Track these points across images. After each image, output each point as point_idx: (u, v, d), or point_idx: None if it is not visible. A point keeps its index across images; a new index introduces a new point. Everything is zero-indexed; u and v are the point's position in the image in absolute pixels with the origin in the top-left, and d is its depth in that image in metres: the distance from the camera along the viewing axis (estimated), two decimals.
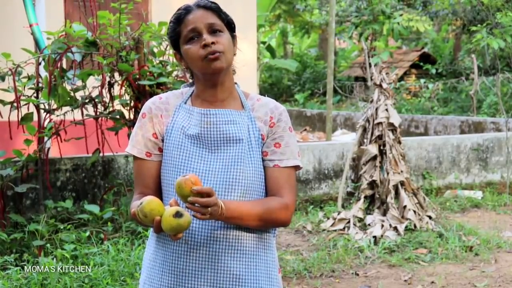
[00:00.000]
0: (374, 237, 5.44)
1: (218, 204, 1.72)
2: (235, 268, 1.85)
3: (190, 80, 2.02)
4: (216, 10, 1.90)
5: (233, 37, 1.95)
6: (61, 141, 5.20)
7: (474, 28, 8.82)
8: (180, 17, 1.89)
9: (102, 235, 4.93)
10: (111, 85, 5.31)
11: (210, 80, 1.90)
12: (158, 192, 1.91)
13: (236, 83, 1.99)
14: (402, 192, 5.86)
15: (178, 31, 1.90)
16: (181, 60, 1.95)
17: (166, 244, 1.87)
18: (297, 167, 1.95)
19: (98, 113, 5.30)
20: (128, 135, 5.03)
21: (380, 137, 6.02)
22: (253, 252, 1.89)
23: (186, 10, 1.89)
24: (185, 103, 1.94)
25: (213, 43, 1.84)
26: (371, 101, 6.22)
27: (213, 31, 1.87)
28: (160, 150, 1.91)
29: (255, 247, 1.90)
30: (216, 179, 1.85)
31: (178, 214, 1.66)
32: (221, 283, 1.85)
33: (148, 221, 1.69)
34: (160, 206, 1.70)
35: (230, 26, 1.93)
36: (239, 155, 1.86)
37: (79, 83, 5.16)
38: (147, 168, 1.91)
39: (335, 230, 5.73)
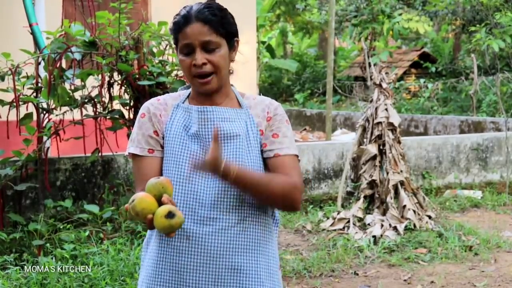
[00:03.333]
0: (374, 236, 5.44)
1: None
2: (236, 262, 1.86)
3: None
4: (215, 25, 1.86)
5: (233, 43, 1.93)
6: (60, 141, 5.20)
7: (473, 28, 8.81)
8: (179, 25, 1.88)
9: (101, 235, 4.93)
10: (110, 85, 5.31)
11: (203, 92, 1.93)
12: None
13: (232, 85, 2.01)
14: (401, 191, 5.86)
15: (177, 37, 1.90)
16: None
17: (168, 240, 1.88)
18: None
19: (97, 113, 5.30)
20: (128, 135, 5.02)
21: (379, 136, 6.02)
22: (254, 246, 1.90)
23: (185, 20, 1.86)
24: (183, 103, 1.96)
25: (204, 63, 1.85)
26: (371, 101, 6.22)
27: (208, 49, 1.86)
28: (162, 147, 1.93)
29: (256, 241, 1.91)
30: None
31: (170, 215, 1.65)
32: (223, 278, 1.86)
33: (140, 219, 1.69)
34: (152, 204, 1.68)
35: (231, 34, 1.91)
36: (237, 151, 1.88)
37: (78, 82, 5.16)
38: (149, 165, 1.91)
39: (334, 230, 5.73)
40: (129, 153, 1.94)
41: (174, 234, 1.70)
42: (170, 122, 1.92)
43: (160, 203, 1.69)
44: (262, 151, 1.93)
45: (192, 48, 1.86)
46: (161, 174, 1.91)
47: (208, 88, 1.89)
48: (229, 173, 1.77)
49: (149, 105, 1.96)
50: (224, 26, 1.88)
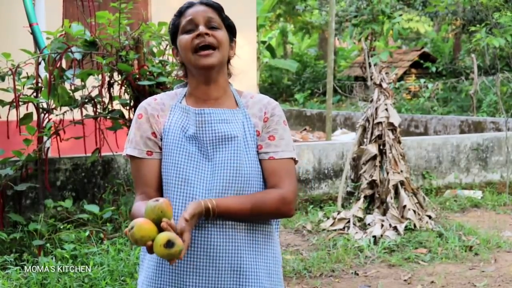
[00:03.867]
0: (374, 236, 5.44)
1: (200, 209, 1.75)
2: (236, 263, 1.86)
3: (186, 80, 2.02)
4: (218, 9, 1.93)
5: (232, 40, 1.97)
6: (60, 141, 5.20)
7: (473, 28, 8.81)
8: (181, 10, 1.94)
9: (101, 235, 4.93)
10: (110, 85, 5.31)
11: (203, 76, 1.91)
12: (160, 190, 1.91)
13: (229, 83, 2.00)
14: (402, 191, 5.86)
15: (178, 23, 1.93)
16: (177, 55, 1.97)
17: None
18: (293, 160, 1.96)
19: (97, 113, 5.30)
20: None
21: (380, 136, 6.02)
22: (254, 246, 1.90)
23: (189, 4, 1.94)
24: (180, 102, 1.95)
25: (207, 34, 1.87)
26: (371, 101, 6.22)
27: (210, 26, 1.89)
28: (160, 148, 1.91)
29: (256, 242, 1.90)
30: (214, 177, 1.85)
31: (169, 244, 1.62)
32: (223, 279, 1.85)
33: (140, 245, 1.67)
34: (151, 231, 1.65)
35: (230, 29, 1.96)
36: (235, 153, 1.87)
37: (78, 82, 5.16)
38: (148, 167, 1.90)
39: (335, 230, 5.73)
40: (127, 154, 1.93)
41: (175, 261, 1.68)
42: (168, 123, 1.91)
43: (159, 226, 1.66)
44: (258, 153, 1.92)
45: (195, 24, 1.89)
46: (160, 175, 1.91)
47: (209, 62, 1.87)
48: (209, 215, 1.78)
49: (146, 105, 1.94)
50: (226, 18, 1.95)
